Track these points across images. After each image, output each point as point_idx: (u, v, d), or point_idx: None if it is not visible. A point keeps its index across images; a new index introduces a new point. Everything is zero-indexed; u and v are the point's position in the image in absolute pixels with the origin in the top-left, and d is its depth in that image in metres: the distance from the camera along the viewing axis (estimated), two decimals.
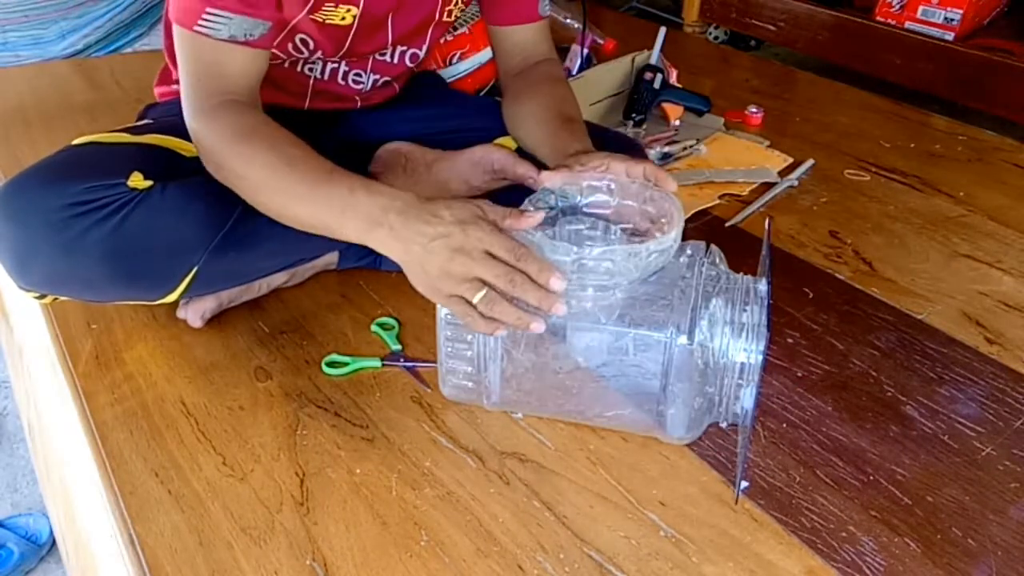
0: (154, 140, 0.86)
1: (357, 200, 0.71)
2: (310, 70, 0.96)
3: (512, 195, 0.88)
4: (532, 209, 0.75)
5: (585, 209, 0.76)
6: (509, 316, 0.67)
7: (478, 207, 0.69)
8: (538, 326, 0.67)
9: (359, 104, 1.03)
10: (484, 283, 0.67)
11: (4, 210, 0.74)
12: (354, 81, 0.99)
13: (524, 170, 0.88)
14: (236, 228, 0.81)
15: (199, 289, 0.83)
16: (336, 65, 0.96)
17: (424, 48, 0.99)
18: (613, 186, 0.75)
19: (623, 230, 0.75)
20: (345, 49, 0.90)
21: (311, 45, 0.88)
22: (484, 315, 0.68)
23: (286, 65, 0.94)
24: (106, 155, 0.81)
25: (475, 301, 0.67)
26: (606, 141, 0.98)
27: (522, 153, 0.93)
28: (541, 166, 0.88)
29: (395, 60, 0.99)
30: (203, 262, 0.79)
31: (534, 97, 0.94)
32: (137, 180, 0.77)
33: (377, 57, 0.97)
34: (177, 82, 1.03)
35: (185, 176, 0.80)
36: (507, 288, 0.66)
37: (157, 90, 1.04)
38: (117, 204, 0.75)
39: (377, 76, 0.99)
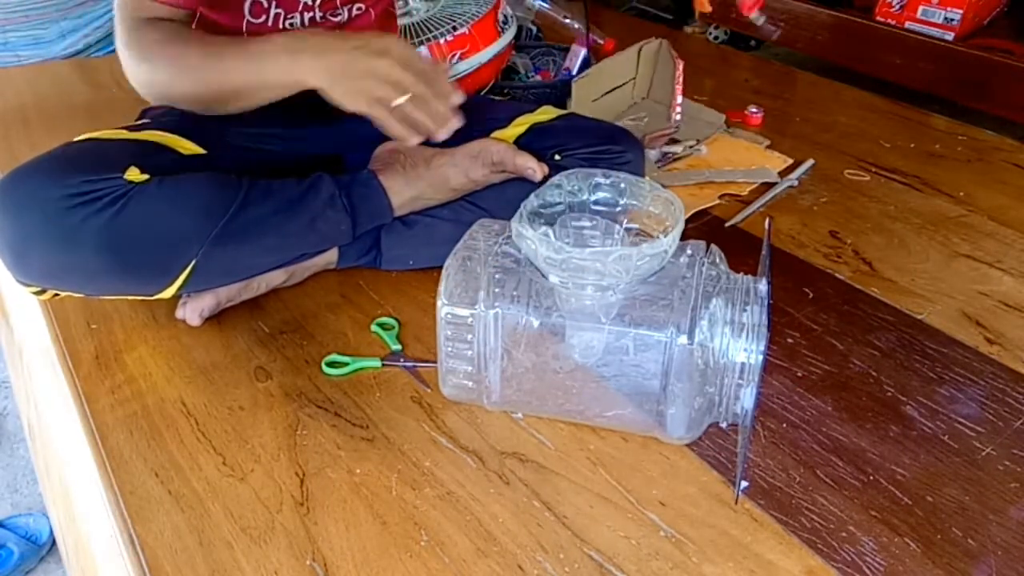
0: (152, 136, 0.87)
1: (270, 42, 0.80)
2: (291, 25, 0.97)
3: (512, 187, 0.89)
4: (538, 203, 0.75)
5: (593, 207, 0.76)
6: (421, 117, 0.79)
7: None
8: (443, 134, 0.81)
9: None
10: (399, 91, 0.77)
11: (2, 203, 0.75)
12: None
13: (523, 161, 0.89)
14: (233, 222, 0.81)
15: (198, 284, 0.83)
16: (312, 14, 0.98)
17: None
18: (623, 185, 0.75)
19: (628, 230, 0.75)
20: None
21: None
22: (398, 120, 0.78)
23: (269, 24, 0.95)
24: (104, 150, 0.82)
25: (394, 104, 0.77)
26: (605, 135, 0.98)
27: (521, 146, 0.93)
28: (540, 159, 0.89)
29: (347, 16, 1.02)
30: (201, 255, 0.80)
31: None
32: (134, 174, 0.78)
33: (331, 17, 0.99)
34: None
35: (182, 172, 0.81)
36: (417, 93, 0.78)
37: None
38: (114, 195, 0.76)
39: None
